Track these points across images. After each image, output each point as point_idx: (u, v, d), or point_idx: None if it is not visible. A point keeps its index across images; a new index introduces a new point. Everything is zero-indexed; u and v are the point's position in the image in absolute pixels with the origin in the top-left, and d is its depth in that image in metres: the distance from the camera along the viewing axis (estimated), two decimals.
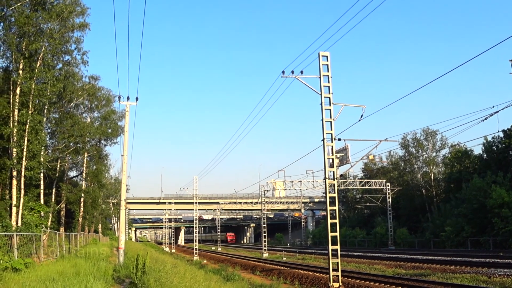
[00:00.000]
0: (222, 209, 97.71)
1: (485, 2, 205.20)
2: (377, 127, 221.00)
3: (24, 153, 26.80)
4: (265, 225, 57.67)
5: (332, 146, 20.24)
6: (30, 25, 26.77)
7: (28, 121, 27.03)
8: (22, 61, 27.69)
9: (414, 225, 63.55)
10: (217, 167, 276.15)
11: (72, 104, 41.23)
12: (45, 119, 33.28)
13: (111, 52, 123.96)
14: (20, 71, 27.59)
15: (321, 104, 19.92)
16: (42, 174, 34.07)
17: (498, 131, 49.34)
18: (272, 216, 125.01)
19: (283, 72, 20.96)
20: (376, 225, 67.97)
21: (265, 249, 53.88)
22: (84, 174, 50.43)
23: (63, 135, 38.46)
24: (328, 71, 20.12)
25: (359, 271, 26.59)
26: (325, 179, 20.32)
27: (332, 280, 19.11)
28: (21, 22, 26.38)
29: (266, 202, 65.68)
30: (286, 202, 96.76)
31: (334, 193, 20.24)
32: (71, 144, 40.48)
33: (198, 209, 68.31)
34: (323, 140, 19.87)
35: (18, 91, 27.42)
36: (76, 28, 32.52)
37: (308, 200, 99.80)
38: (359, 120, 24.31)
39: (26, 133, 27.00)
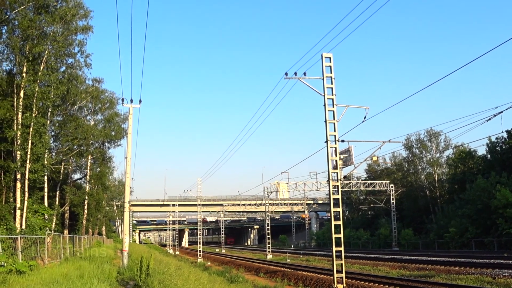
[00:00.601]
0: (226, 211, 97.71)
1: (490, 2, 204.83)
2: (380, 128, 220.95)
3: (28, 156, 26.84)
4: (269, 227, 57.62)
5: (335, 148, 20.22)
6: (34, 28, 26.85)
7: (31, 124, 27.07)
8: (25, 64, 27.74)
9: (418, 226, 63.37)
10: (221, 169, 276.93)
11: (75, 106, 41.32)
12: (48, 122, 33.31)
13: (114, 55, 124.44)
14: (24, 74, 27.65)
15: (324, 105, 19.92)
16: (46, 177, 34.11)
17: (502, 132, 49.34)
18: (278, 217, 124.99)
19: (286, 74, 20.98)
20: (380, 227, 67.84)
21: (269, 251, 53.82)
22: (88, 177, 50.51)
23: (66, 138, 38.52)
24: (331, 73, 20.11)
25: (363, 272, 26.54)
26: (328, 180, 20.28)
27: (336, 282, 19.07)
28: (24, 25, 26.45)
29: (269, 203, 65.66)
30: (290, 203, 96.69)
31: (338, 194, 20.20)
32: (75, 146, 40.53)
33: (202, 211, 68.27)
34: (326, 141, 19.86)
35: (21, 94, 27.50)
36: (79, 31, 32.53)
37: (311, 202, 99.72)
38: (363, 121, 24.27)
39: (30, 136, 27.06)
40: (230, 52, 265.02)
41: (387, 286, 20.37)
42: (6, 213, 26.06)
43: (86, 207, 49.32)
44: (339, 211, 19.93)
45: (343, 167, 49.75)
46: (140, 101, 28.65)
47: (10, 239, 19.37)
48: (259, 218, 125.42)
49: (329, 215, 21.53)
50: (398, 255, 40.95)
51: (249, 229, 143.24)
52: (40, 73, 28.22)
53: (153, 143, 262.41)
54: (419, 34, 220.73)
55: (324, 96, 19.97)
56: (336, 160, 20.32)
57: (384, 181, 64.16)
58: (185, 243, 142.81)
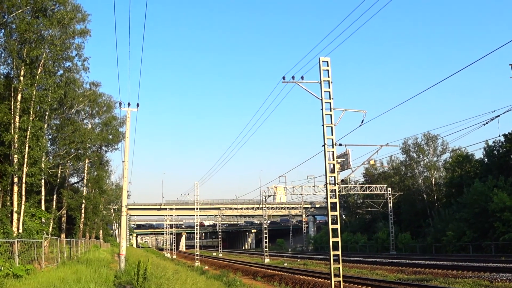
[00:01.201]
0: (223, 215, 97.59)
1: (486, 6, 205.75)
2: (378, 132, 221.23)
3: (25, 160, 26.76)
4: (266, 231, 57.58)
5: (333, 152, 20.25)
6: (31, 31, 26.82)
7: (29, 127, 27.03)
8: (23, 67, 27.71)
9: (415, 230, 63.39)
10: (218, 172, 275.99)
11: (73, 110, 41.26)
12: (46, 125, 33.27)
13: (112, 58, 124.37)
14: (21, 78, 27.60)
15: (322, 109, 19.95)
16: (43, 181, 34.04)
17: (499, 136, 49.19)
18: (278, 220, 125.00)
19: (283, 77, 21.01)
20: (378, 230, 67.82)
21: (266, 255, 53.75)
22: (85, 180, 50.39)
23: (64, 142, 38.44)
24: (328, 77, 20.16)
25: (361, 276, 26.52)
26: (326, 184, 20.31)
27: (334, 286, 19.07)
28: (22, 29, 26.42)
29: (267, 207, 65.63)
30: (287, 207, 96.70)
31: (335, 198, 20.21)
32: (72, 150, 40.44)
33: (199, 215, 68.21)
34: (324, 145, 19.88)
35: (19, 97, 27.43)
36: (77, 35, 32.54)
37: (309, 206, 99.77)
38: (360, 125, 24.27)
39: (27, 139, 26.99)
40: (227, 56, 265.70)
41: None
42: (3, 217, 25.95)
43: (83, 211, 49.17)
44: (336, 215, 19.92)
45: (340, 171, 49.60)
46: (137, 104, 28.70)
47: (7, 243, 19.31)
48: (256, 222, 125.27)
49: (327, 219, 21.54)
50: (395, 259, 40.95)
51: (247, 233, 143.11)
52: (37, 76, 28.18)
53: (150, 146, 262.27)
54: (416, 38, 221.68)
55: (321, 100, 20.01)
56: (333, 164, 20.36)
57: (381, 185, 64.24)
58: (182, 247, 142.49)
